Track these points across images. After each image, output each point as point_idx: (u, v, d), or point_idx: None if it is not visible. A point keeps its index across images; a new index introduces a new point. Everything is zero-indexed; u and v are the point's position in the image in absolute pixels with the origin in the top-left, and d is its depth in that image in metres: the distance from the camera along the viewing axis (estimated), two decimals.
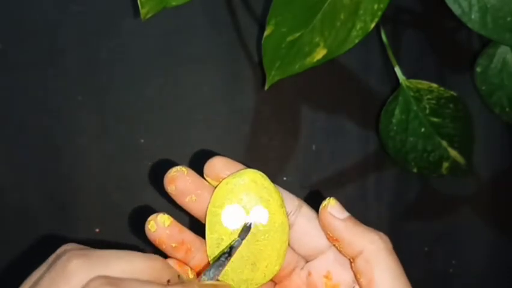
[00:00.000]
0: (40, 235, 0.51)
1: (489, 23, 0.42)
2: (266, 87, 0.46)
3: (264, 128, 0.53)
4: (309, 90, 0.54)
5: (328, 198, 0.35)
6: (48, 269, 0.29)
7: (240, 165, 0.36)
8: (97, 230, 0.52)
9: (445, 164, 0.53)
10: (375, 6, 0.42)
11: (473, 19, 0.42)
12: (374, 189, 0.54)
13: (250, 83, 0.53)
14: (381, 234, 0.34)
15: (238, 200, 0.35)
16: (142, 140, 0.52)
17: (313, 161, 0.54)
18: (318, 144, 0.54)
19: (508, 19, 0.42)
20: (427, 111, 0.52)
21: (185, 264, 0.35)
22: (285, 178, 0.53)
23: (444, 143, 0.52)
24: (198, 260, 0.35)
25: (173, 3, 0.40)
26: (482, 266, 0.56)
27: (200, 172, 0.35)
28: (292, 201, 0.36)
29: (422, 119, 0.52)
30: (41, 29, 0.51)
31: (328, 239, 0.35)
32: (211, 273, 0.33)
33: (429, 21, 0.55)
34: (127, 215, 0.52)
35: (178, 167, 0.35)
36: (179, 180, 0.35)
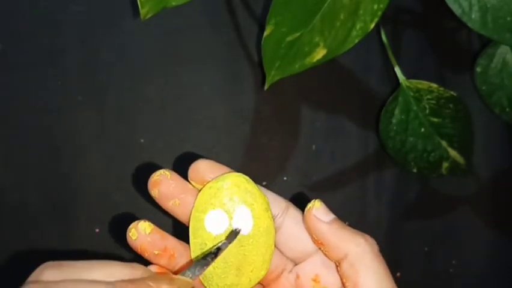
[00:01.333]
0: (40, 235, 0.51)
1: (489, 23, 0.42)
2: (266, 87, 0.46)
3: (264, 128, 0.53)
4: (309, 90, 0.54)
5: (313, 200, 0.34)
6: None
7: (225, 168, 0.35)
8: (97, 230, 0.52)
9: (445, 164, 0.53)
10: (375, 6, 0.42)
11: (473, 19, 0.42)
12: (374, 189, 0.54)
13: (250, 83, 0.53)
14: (367, 237, 0.34)
15: (222, 204, 0.35)
16: (142, 140, 0.52)
17: (313, 161, 0.54)
18: (318, 144, 0.54)
19: (508, 19, 0.42)
20: (427, 111, 0.52)
21: (170, 270, 0.35)
22: (285, 178, 0.53)
23: (444, 143, 0.52)
24: (183, 266, 0.35)
25: (173, 3, 0.40)
26: (482, 266, 0.56)
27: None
28: (279, 204, 0.35)
29: (422, 119, 0.52)
30: (41, 29, 0.51)
31: (313, 242, 0.34)
32: (196, 271, 0.33)
33: (429, 21, 0.55)
34: (127, 215, 0.52)
35: (162, 171, 0.34)
36: (163, 184, 0.34)
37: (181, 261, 0.35)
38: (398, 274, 0.54)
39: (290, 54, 0.44)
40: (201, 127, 0.53)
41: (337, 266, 0.34)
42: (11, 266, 0.51)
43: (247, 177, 0.35)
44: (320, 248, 0.34)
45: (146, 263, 0.35)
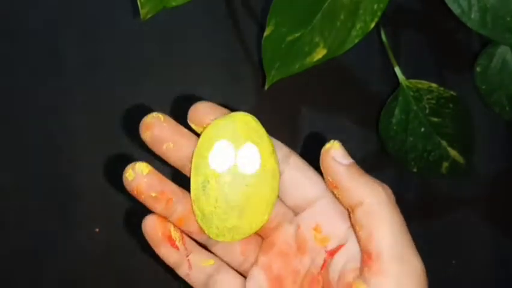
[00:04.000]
0: (40, 235, 0.51)
1: (489, 23, 0.42)
2: (266, 87, 0.46)
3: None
4: (309, 90, 0.54)
5: (332, 140, 0.33)
6: None
7: (226, 110, 0.34)
8: (97, 230, 0.52)
9: (445, 164, 0.53)
10: (375, 6, 0.42)
11: (472, 19, 0.42)
12: None
13: (250, 83, 0.53)
14: (385, 186, 0.32)
15: (227, 141, 0.33)
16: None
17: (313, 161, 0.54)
18: (318, 144, 0.54)
19: (508, 19, 0.42)
20: (427, 111, 0.52)
21: (167, 218, 0.34)
22: None
23: (444, 143, 0.52)
24: (180, 212, 0.34)
25: (173, 3, 0.40)
26: (482, 266, 0.56)
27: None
28: (282, 149, 0.34)
29: (422, 119, 0.52)
30: (41, 29, 0.51)
31: (327, 184, 0.33)
32: None
33: (429, 21, 0.55)
34: (127, 215, 0.52)
35: (154, 114, 0.33)
36: (156, 127, 0.33)
37: (179, 207, 0.34)
38: None
39: (290, 54, 0.44)
40: None
41: (349, 213, 0.32)
42: (11, 266, 0.51)
43: (254, 117, 0.34)
44: (333, 192, 0.33)
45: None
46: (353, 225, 0.32)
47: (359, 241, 0.32)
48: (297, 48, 0.44)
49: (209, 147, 0.33)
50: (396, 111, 0.52)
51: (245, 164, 0.33)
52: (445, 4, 0.42)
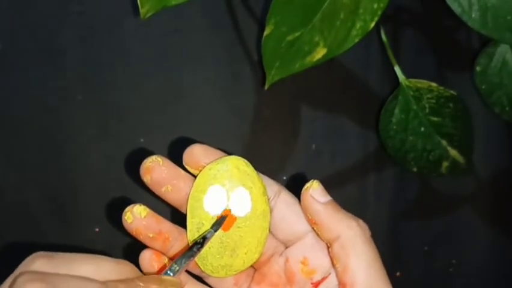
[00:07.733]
0: (40, 235, 0.51)
1: (489, 22, 0.42)
2: (266, 87, 0.46)
3: (264, 128, 0.53)
4: (309, 90, 0.54)
5: (311, 180, 0.35)
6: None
7: (220, 152, 0.36)
8: (97, 229, 0.52)
9: (445, 164, 0.53)
10: (375, 6, 0.42)
11: (473, 18, 0.42)
12: (374, 189, 0.54)
13: (250, 83, 0.53)
14: (360, 221, 0.35)
15: (221, 185, 0.35)
16: (142, 140, 0.52)
17: (313, 161, 0.54)
18: (318, 144, 0.54)
19: (508, 17, 0.42)
20: (427, 110, 0.52)
21: (164, 254, 0.36)
22: (284, 178, 0.53)
23: (444, 142, 0.52)
24: (176, 249, 0.36)
25: (173, 2, 0.40)
26: (482, 266, 0.56)
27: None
28: (272, 187, 0.36)
29: (422, 118, 0.52)
30: (41, 29, 0.51)
31: (308, 221, 0.35)
32: (182, 262, 0.33)
33: (429, 21, 0.55)
34: None
35: (154, 157, 0.35)
36: (155, 171, 0.35)
37: (175, 244, 0.36)
38: (398, 273, 0.54)
39: (290, 54, 0.44)
40: (201, 127, 0.53)
41: (328, 247, 0.35)
42: (11, 266, 0.51)
43: (247, 161, 0.36)
44: (313, 228, 0.35)
45: (142, 246, 0.35)
46: (331, 259, 0.34)
47: (336, 273, 0.34)
48: (297, 48, 0.44)
49: (203, 191, 0.35)
50: (396, 111, 0.52)
51: (237, 207, 0.36)
52: (445, 3, 0.42)
